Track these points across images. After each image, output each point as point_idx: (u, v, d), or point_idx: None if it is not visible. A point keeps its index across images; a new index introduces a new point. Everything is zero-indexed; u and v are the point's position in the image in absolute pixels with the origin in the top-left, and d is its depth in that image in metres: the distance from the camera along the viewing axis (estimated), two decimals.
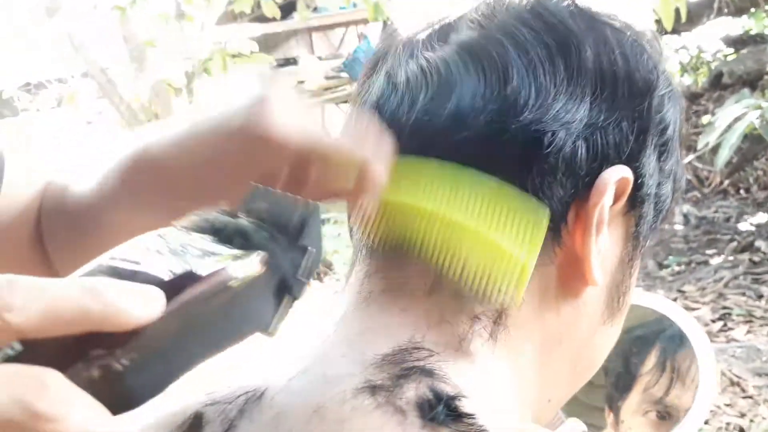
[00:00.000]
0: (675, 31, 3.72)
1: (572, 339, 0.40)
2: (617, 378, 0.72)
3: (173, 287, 0.25)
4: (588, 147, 0.37)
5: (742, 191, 3.70)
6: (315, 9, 5.09)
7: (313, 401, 0.34)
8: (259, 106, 0.37)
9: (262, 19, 3.85)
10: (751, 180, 3.70)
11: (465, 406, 0.33)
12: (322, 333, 0.38)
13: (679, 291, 2.79)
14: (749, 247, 3.07)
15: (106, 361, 0.23)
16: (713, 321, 2.54)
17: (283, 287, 0.28)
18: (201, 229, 0.28)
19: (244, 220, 0.28)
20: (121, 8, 2.99)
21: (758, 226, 3.29)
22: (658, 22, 2.19)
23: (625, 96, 0.38)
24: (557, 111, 0.36)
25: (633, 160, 0.38)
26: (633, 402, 0.71)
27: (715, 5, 3.68)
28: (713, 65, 4.14)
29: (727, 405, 2.05)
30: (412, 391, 0.33)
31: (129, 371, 0.23)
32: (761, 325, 2.48)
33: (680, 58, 4.31)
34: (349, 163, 0.35)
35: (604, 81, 0.37)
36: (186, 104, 3.34)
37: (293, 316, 0.29)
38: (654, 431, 0.70)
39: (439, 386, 0.34)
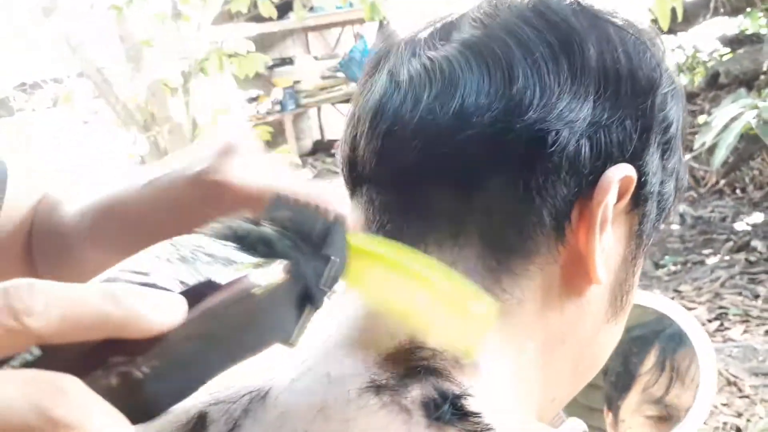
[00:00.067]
0: (671, 30, 3.73)
1: (576, 338, 0.40)
2: (616, 378, 0.72)
3: (192, 296, 0.24)
4: (591, 145, 0.37)
5: (738, 191, 3.70)
6: (311, 9, 5.08)
7: (317, 401, 0.34)
8: (219, 155, 0.39)
9: (259, 18, 3.84)
10: (747, 180, 3.71)
11: (471, 404, 0.33)
12: (324, 333, 0.38)
13: (676, 291, 2.80)
14: (745, 247, 3.08)
15: (126, 369, 0.22)
16: (710, 321, 2.54)
17: (305, 297, 0.27)
18: (224, 237, 0.28)
19: (267, 228, 0.28)
20: (117, 8, 2.99)
21: (754, 225, 3.29)
22: (655, 21, 2.19)
23: (628, 94, 0.38)
24: (561, 110, 0.36)
25: (636, 159, 0.38)
26: (632, 402, 0.71)
27: (712, 5, 3.68)
28: (709, 65, 4.15)
29: (724, 404, 2.06)
30: (417, 390, 0.33)
31: (149, 379, 0.23)
32: (758, 325, 2.49)
33: (676, 58, 4.32)
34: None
35: (607, 79, 0.37)
36: (182, 104, 3.33)
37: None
38: (653, 431, 0.70)
39: (444, 385, 0.34)
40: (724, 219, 3.44)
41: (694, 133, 2.96)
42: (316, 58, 5.85)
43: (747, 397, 2.11)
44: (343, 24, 5.78)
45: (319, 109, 6.04)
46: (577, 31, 0.38)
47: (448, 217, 0.37)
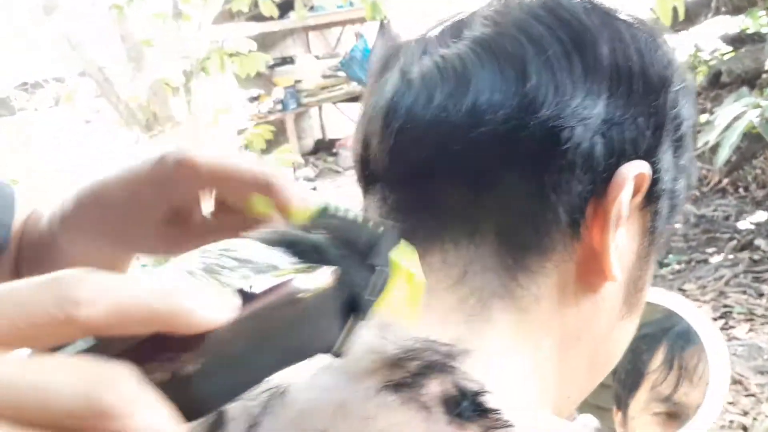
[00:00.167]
0: (672, 29, 3.73)
1: (591, 335, 0.40)
2: (625, 376, 0.72)
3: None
4: (605, 143, 0.37)
5: (741, 190, 3.70)
6: (312, 8, 5.08)
7: (336, 398, 0.34)
8: (178, 146, 0.41)
9: (259, 18, 3.85)
10: (749, 179, 3.71)
11: (490, 401, 0.33)
12: None
13: (680, 290, 2.79)
14: (749, 246, 3.07)
15: (174, 365, 0.22)
16: (714, 319, 2.54)
17: (351, 306, 0.27)
18: (273, 243, 0.28)
19: (318, 236, 0.28)
20: (118, 7, 2.99)
21: (758, 224, 3.29)
22: (656, 20, 2.19)
23: (640, 92, 0.38)
24: (575, 107, 0.36)
25: (650, 156, 0.38)
26: (641, 400, 0.71)
27: (713, 4, 3.68)
28: (711, 64, 4.15)
29: (730, 403, 2.05)
30: (436, 387, 0.33)
31: (196, 377, 0.22)
32: (762, 324, 2.49)
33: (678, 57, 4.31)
34: (258, 180, 0.39)
35: (619, 77, 0.37)
36: (184, 103, 3.34)
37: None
38: (662, 429, 0.70)
39: (463, 382, 0.34)
40: (727, 218, 3.44)
41: (697, 132, 2.96)
42: (317, 57, 5.85)
43: (753, 395, 2.10)
44: (343, 23, 5.79)
45: (320, 108, 6.05)
46: (589, 28, 0.38)
47: (463, 215, 0.37)
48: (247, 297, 0.24)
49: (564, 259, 0.38)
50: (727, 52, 4.16)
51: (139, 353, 0.22)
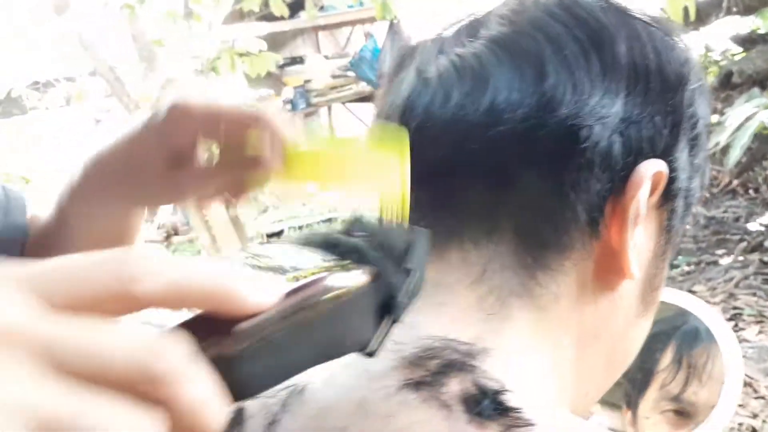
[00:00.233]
0: (683, 29, 3.71)
1: (609, 333, 0.41)
2: (634, 375, 0.72)
3: None
4: (623, 141, 0.37)
5: (751, 191, 3.68)
6: (322, 8, 5.09)
7: (357, 396, 0.34)
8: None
9: (270, 17, 3.85)
10: (760, 180, 3.69)
11: (511, 400, 0.33)
12: None
13: (690, 291, 2.78)
14: (759, 247, 3.06)
15: (219, 347, 0.22)
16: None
17: (386, 307, 0.27)
18: (315, 244, 0.28)
19: (358, 238, 0.29)
20: (130, 6, 3.00)
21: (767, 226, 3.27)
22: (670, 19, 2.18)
23: (657, 90, 0.38)
24: (593, 106, 0.36)
25: (667, 154, 0.38)
26: (650, 399, 0.71)
27: (724, 4, 3.66)
28: (722, 64, 4.12)
29: (740, 405, 2.04)
30: (456, 385, 0.33)
31: (241, 359, 0.23)
32: None
33: None
34: (250, 116, 0.42)
35: (637, 75, 0.38)
36: None
37: None
38: (671, 428, 0.70)
39: (483, 380, 0.34)
40: (737, 219, 3.42)
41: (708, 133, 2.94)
42: (326, 57, 5.85)
43: (762, 398, 2.09)
44: (353, 23, 5.79)
45: (329, 108, 6.05)
46: (606, 27, 0.38)
47: (482, 214, 0.37)
48: (286, 290, 0.25)
49: (582, 257, 0.38)
50: (738, 53, 4.13)
51: (186, 332, 0.23)
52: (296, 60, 5.65)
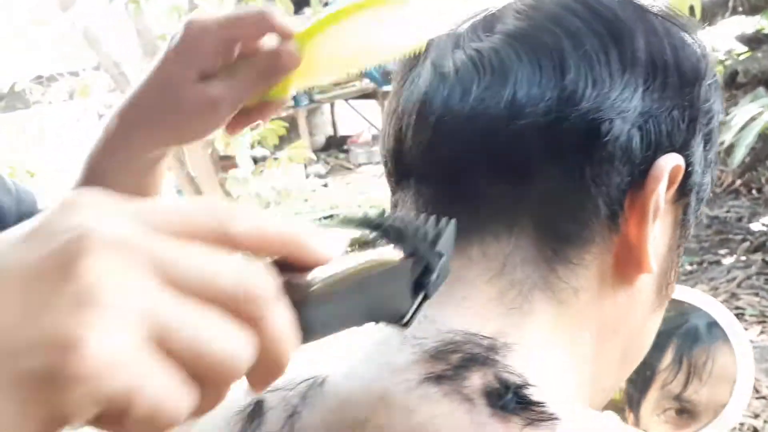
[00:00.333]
0: None
1: (627, 327, 0.41)
2: (636, 376, 0.72)
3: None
4: (642, 135, 0.37)
5: (754, 191, 3.67)
6: (326, 4, 5.08)
7: (378, 389, 0.35)
8: None
9: None
10: (763, 180, 3.68)
11: (533, 394, 0.33)
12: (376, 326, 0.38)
13: None
14: (762, 247, 3.05)
15: (289, 291, 0.24)
16: None
17: (419, 285, 0.29)
18: (357, 224, 0.30)
19: (397, 222, 0.31)
20: (135, 1, 3.00)
21: None
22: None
23: (675, 85, 0.38)
24: (613, 100, 0.36)
25: (684, 149, 0.39)
26: (652, 399, 0.71)
27: (730, 4, 3.65)
28: (727, 63, 4.11)
29: None
30: (478, 379, 0.34)
31: (307, 304, 0.25)
32: None
33: None
34: (258, 16, 0.46)
35: (655, 70, 0.38)
36: None
37: None
38: (674, 427, 0.70)
39: (505, 374, 0.34)
40: (740, 219, 3.42)
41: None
42: None
43: (764, 398, 2.09)
44: None
45: (332, 105, 6.05)
46: (625, 22, 0.38)
47: (502, 207, 0.38)
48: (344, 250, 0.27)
49: (602, 251, 0.38)
50: (743, 52, 4.12)
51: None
52: None
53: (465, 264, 0.37)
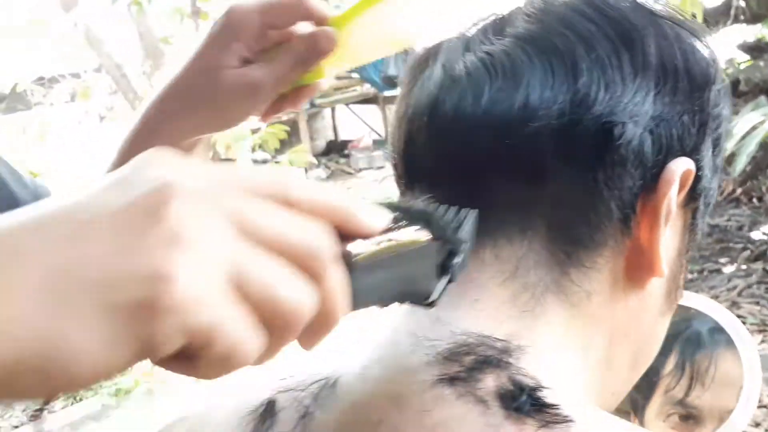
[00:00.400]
0: None
1: (638, 331, 0.41)
2: (640, 381, 0.72)
3: None
4: (653, 139, 0.37)
5: (755, 200, 3.68)
6: None
7: (390, 390, 0.35)
8: None
9: None
10: (764, 189, 3.69)
11: (548, 396, 0.33)
12: (391, 322, 0.38)
13: None
14: (762, 256, 3.05)
15: (345, 255, 0.26)
16: None
17: (444, 268, 0.31)
18: (388, 207, 0.31)
19: (422, 207, 0.32)
20: (138, 3, 3.01)
21: None
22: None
23: (685, 90, 0.38)
24: (626, 104, 0.37)
25: (694, 153, 0.39)
26: (656, 404, 0.71)
27: (732, 12, 3.66)
28: (728, 72, 4.12)
29: None
30: (491, 381, 0.34)
31: (355, 271, 0.26)
32: None
33: None
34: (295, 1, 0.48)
35: (666, 75, 0.38)
36: None
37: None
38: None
39: (519, 377, 0.34)
40: (740, 228, 3.42)
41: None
42: None
43: (765, 407, 2.09)
44: None
45: (333, 110, 6.06)
46: (636, 27, 0.38)
47: (515, 210, 0.38)
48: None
49: (614, 254, 0.38)
50: (745, 61, 4.13)
51: None
52: None
53: (478, 266, 0.37)
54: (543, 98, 0.36)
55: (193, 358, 0.23)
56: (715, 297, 2.78)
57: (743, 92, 3.70)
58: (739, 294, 2.77)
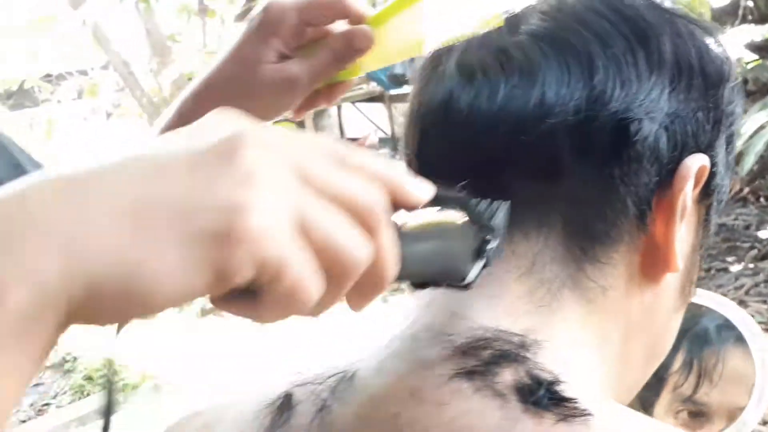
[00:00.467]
0: None
1: (653, 326, 0.41)
2: (649, 379, 0.72)
3: None
4: (668, 136, 0.37)
5: (762, 199, 3.67)
6: None
7: (408, 384, 0.35)
8: None
9: None
10: None
11: (566, 390, 0.33)
12: (408, 316, 0.38)
13: None
14: None
15: (395, 225, 0.27)
16: None
17: (480, 252, 0.31)
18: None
19: (458, 194, 0.33)
20: (145, 0, 3.01)
21: None
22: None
23: (700, 87, 0.39)
24: (641, 101, 0.37)
25: (709, 150, 0.39)
26: (664, 401, 0.71)
27: (740, 12, 3.65)
28: (736, 72, 4.10)
29: None
30: (509, 375, 0.34)
31: (404, 239, 0.27)
32: None
33: None
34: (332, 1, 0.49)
35: (680, 72, 0.38)
36: None
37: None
38: (688, 429, 0.70)
39: (536, 371, 0.34)
40: (747, 227, 3.41)
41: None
42: None
43: None
44: None
45: (339, 108, 6.06)
46: (651, 24, 0.38)
47: (531, 206, 0.38)
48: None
49: (630, 250, 0.38)
50: (752, 61, 4.12)
51: None
52: None
53: (495, 261, 0.38)
54: (559, 95, 0.36)
55: (257, 294, 0.24)
56: (723, 296, 2.77)
57: (751, 92, 3.69)
58: (747, 293, 2.76)
